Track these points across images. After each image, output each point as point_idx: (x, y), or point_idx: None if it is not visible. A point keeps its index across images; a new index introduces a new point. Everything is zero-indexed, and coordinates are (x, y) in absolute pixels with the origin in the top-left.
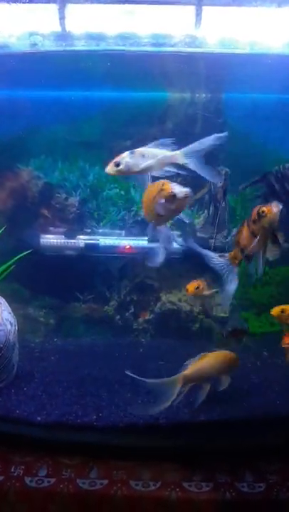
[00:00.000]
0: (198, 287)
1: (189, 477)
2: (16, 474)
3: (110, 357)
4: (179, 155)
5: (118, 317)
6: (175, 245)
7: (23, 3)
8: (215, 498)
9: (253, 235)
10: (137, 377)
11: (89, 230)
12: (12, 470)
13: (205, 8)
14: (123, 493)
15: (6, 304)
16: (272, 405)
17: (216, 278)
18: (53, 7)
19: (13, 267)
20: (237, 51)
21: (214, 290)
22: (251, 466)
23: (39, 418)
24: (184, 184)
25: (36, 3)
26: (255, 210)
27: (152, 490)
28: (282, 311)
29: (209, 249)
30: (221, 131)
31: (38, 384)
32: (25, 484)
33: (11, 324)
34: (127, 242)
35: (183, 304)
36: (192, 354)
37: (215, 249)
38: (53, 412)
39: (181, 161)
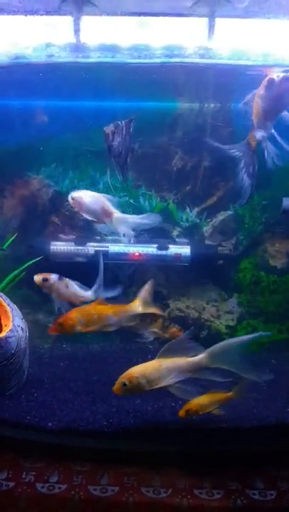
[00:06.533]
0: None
1: (200, 484)
2: (27, 480)
3: (119, 363)
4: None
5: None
6: (185, 252)
7: (40, 15)
8: (226, 505)
9: None
10: None
11: (98, 237)
12: (23, 476)
13: (218, 20)
14: (134, 499)
15: (18, 310)
16: (282, 412)
17: (224, 286)
18: (69, 19)
19: (24, 273)
20: (249, 63)
21: None
22: (262, 473)
23: (50, 424)
24: None
25: (52, 15)
26: None
27: (163, 497)
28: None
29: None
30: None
31: (48, 390)
32: (37, 490)
33: (22, 330)
34: (136, 249)
35: (191, 311)
36: None
37: (221, 257)
38: (63, 418)
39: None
